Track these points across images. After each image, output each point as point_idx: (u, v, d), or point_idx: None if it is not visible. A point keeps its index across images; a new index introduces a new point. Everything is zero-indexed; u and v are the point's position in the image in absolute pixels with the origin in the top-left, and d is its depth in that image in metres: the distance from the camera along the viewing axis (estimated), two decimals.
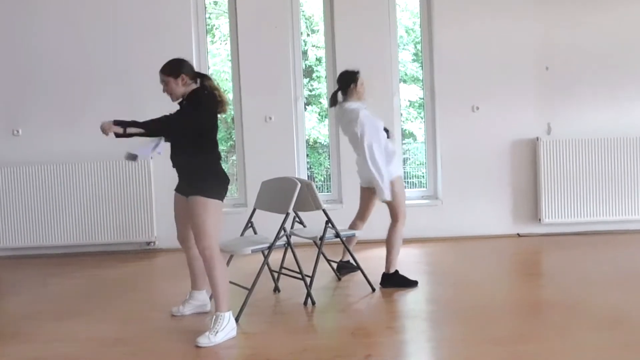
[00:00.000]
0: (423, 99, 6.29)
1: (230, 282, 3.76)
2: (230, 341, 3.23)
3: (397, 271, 4.16)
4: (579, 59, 5.83)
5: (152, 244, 5.86)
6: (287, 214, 3.71)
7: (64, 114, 5.87)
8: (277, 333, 3.37)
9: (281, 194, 3.78)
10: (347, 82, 4.19)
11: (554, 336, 3.14)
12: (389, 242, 4.14)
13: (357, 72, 4.23)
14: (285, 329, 3.42)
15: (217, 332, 3.20)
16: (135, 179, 5.78)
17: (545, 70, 5.83)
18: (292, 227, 4.32)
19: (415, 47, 10.76)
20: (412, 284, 4.15)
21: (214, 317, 3.27)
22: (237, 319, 3.49)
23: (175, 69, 3.31)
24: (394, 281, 4.13)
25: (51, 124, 5.87)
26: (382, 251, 4.19)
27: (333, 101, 4.28)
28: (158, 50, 5.79)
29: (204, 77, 3.39)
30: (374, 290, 4.07)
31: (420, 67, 10.03)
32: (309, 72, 10.93)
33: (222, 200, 3.36)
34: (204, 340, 3.18)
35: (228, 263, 3.90)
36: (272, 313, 3.79)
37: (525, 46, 5.82)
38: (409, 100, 10.66)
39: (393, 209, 4.11)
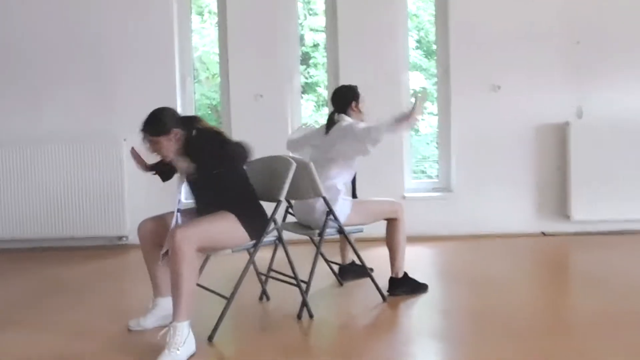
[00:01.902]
0: (436, 78, 5.54)
1: (205, 289, 3.03)
2: None
3: (405, 274, 3.45)
4: (615, 33, 5.08)
5: (124, 239, 5.14)
6: (279, 202, 2.95)
7: (25, 89, 5.16)
8: (263, 355, 2.63)
9: (271, 177, 3.03)
10: (345, 100, 3.50)
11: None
12: (391, 243, 3.44)
13: (356, 88, 3.55)
14: (274, 350, 2.67)
15: (178, 348, 2.50)
16: (106, 165, 5.07)
17: (576, 44, 5.09)
18: (283, 220, 3.57)
19: (418, 33, 10.09)
20: (422, 287, 3.47)
21: (171, 329, 2.54)
22: (211, 337, 2.75)
23: (163, 126, 2.78)
24: (405, 286, 3.43)
25: (10, 101, 5.15)
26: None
27: (331, 125, 3.48)
28: (133, 24, 5.15)
29: (193, 121, 2.90)
30: (384, 299, 3.32)
31: (424, 56, 9.31)
32: (305, 59, 10.23)
33: (250, 237, 2.86)
34: None
35: (203, 266, 3.16)
36: (257, 328, 3.02)
37: (553, 17, 5.09)
38: (412, 89, 9.97)
39: (380, 216, 3.44)
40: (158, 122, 2.77)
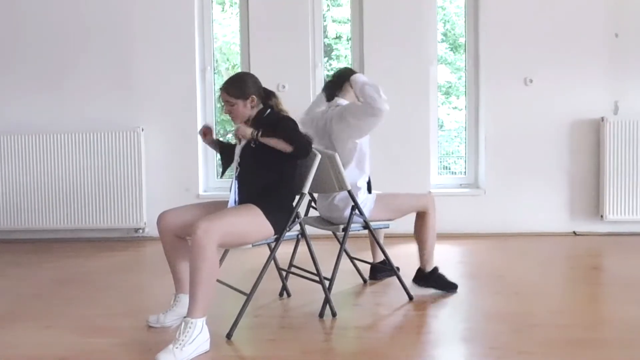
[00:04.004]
0: (465, 70, 5.34)
1: (223, 284, 2.90)
2: None
3: (436, 269, 3.28)
4: None
5: (141, 231, 5.03)
6: (302, 195, 2.80)
7: (43, 78, 5.06)
8: (283, 354, 2.49)
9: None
10: (344, 79, 3.26)
11: None
12: (420, 236, 3.26)
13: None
14: (294, 349, 2.53)
15: (184, 345, 2.37)
16: (124, 155, 4.95)
17: (614, 37, 4.86)
18: (306, 214, 3.42)
19: (444, 26, 9.87)
20: (451, 287, 3.29)
21: (182, 323, 2.42)
22: (229, 335, 2.61)
23: (244, 90, 2.79)
24: (432, 282, 3.27)
25: (28, 90, 5.05)
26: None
27: (330, 95, 3.33)
28: (154, 13, 5.01)
29: (269, 95, 2.89)
30: (411, 298, 3.16)
31: (450, 49, 9.08)
32: (327, 51, 10.06)
33: (274, 232, 2.72)
34: (167, 356, 2.34)
35: (222, 260, 3.01)
36: (277, 327, 2.88)
37: (591, 8, 4.85)
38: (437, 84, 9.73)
39: (407, 211, 3.25)
40: (241, 85, 2.77)
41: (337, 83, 3.30)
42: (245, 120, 2.81)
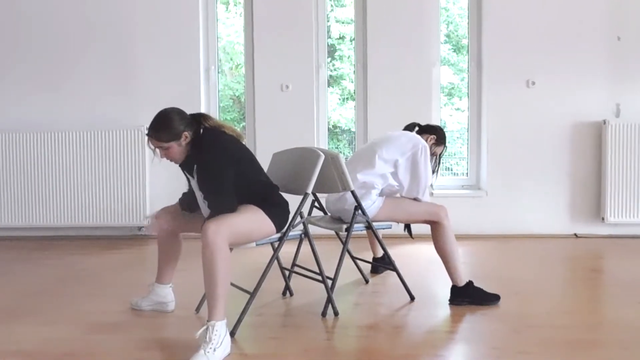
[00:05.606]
0: (467, 72, 5.35)
1: None
2: None
3: (470, 282, 3.18)
4: None
5: (144, 229, 5.04)
6: (306, 195, 2.82)
7: (46, 75, 5.12)
8: (286, 352, 2.51)
9: (298, 169, 2.90)
10: (429, 131, 3.54)
11: None
12: (440, 250, 3.17)
13: (445, 144, 3.61)
14: (297, 347, 2.55)
15: (214, 349, 2.36)
16: (127, 153, 4.99)
17: (616, 40, 4.89)
18: (309, 214, 3.44)
19: (447, 27, 9.87)
20: (491, 298, 3.17)
21: (208, 327, 2.40)
22: (233, 332, 2.63)
23: (174, 130, 2.59)
24: (468, 296, 3.15)
25: (31, 87, 5.11)
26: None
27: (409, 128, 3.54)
28: (158, 12, 5.07)
29: (201, 119, 2.69)
30: (413, 299, 3.18)
31: (453, 50, 9.08)
32: (330, 52, 10.06)
33: (276, 229, 2.73)
34: None
35: None
36: (280, 325, 2.89)
37: (593, 11, 4.89)
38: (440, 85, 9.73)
39: (417, 217, 3.20)
40: (170, 126, 2.58)
41: (422, 130, 3.52)
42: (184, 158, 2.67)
